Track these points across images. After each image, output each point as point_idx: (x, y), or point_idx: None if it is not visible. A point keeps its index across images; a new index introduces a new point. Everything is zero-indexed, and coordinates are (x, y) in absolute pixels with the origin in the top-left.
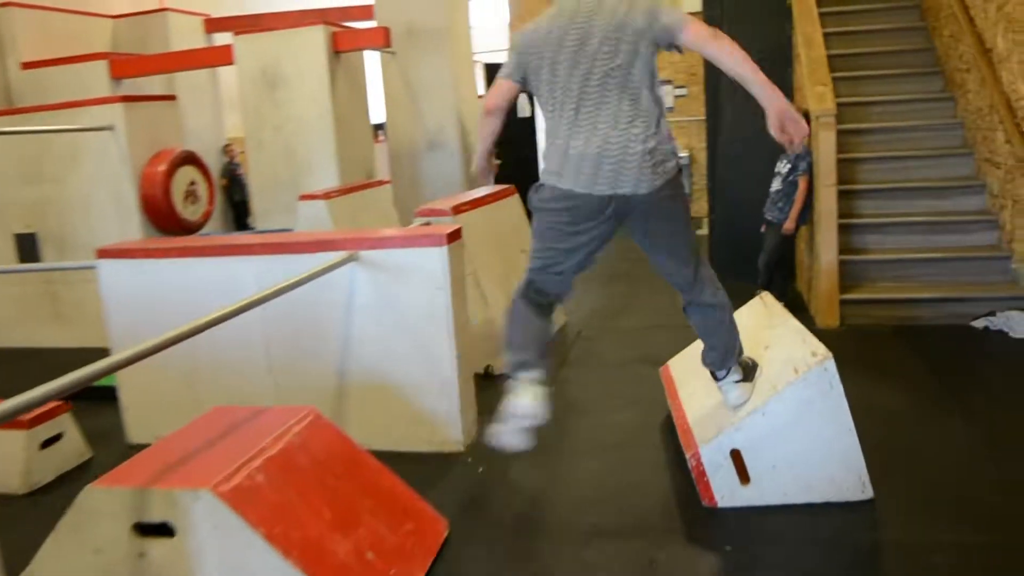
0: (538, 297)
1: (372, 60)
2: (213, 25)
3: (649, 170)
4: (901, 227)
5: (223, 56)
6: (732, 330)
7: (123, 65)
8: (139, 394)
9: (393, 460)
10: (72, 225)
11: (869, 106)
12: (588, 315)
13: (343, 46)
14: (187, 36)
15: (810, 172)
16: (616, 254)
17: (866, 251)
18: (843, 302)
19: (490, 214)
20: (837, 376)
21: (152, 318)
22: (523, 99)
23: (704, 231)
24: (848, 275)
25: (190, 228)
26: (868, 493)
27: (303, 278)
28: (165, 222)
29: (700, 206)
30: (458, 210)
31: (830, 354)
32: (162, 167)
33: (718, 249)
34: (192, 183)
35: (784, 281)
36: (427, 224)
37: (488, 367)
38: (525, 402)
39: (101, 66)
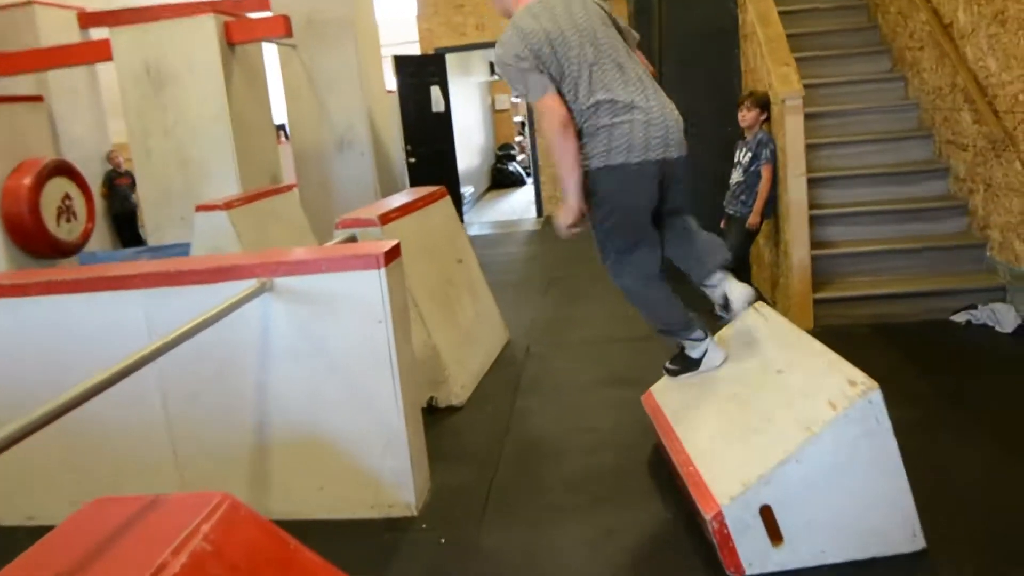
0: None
1: (271, 53)
2: (89, 20)
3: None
4: (865, 216)
5: (99, 52)
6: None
7: None
8: (3, 467)
9: (330, 531)
10: None
11: (815, 88)
12: (532, 329)
13: (238, 37)
14: (59, 32)
15: (774, 160)
16: (546, 261)
17: (832, 244)
18: (815, 301)
19: (422, 221)
20: (884, 409)
21: (16, 373)
22: (436, 93)
23: None
24: (816, 271)
25: (66, 250)
26: (920, 543)
27: (206, 318)
28: (35, 244)
29: None
30: (386, 219)
31: (875, 384)
32: (27, 180)
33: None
34: (66, 198)
35: (746, 280)
36: (351, 239)
37: (432, 399)
38: (717, 355)
39: None
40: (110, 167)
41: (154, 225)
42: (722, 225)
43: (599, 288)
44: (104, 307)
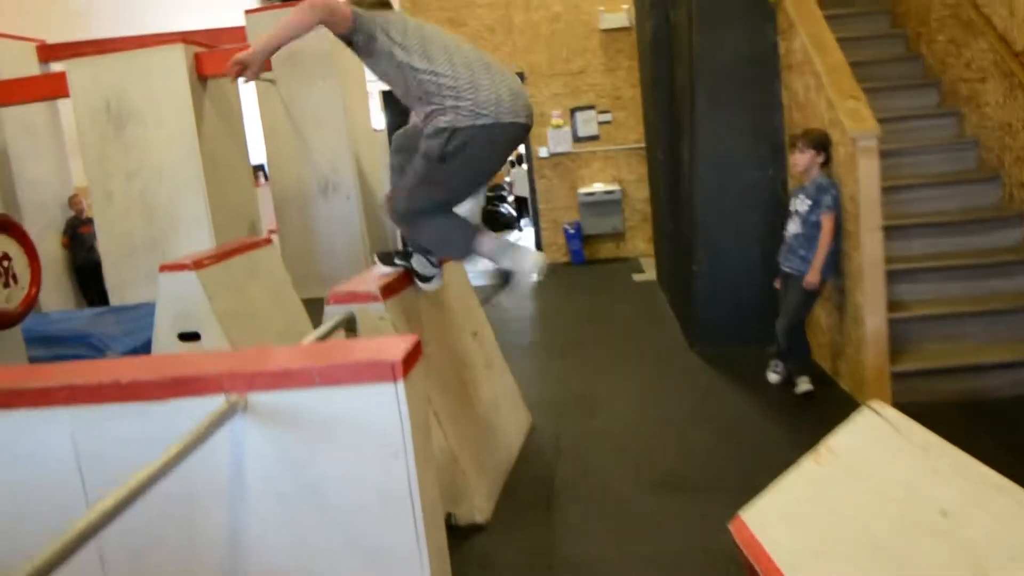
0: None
1: (248, 89)
2: (49, 53)
3: None
4: (933, 273)
5: (53, 87)
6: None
7: None
8: None
9: None
10: None
11: None
12: (556, 409)
13: (210, 70)
14: (16, 66)
15: (837, 209)
16: (556, 318)
17: (902, 306)
18: (892, 375)
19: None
20: None
21: None
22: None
23: (649, 275)
24: (890, 339)
25: (4, 320)
26: None
27: (161, 465)
28: None
29: (635, 245)
30: (390, 291)
31: None
32: None
33: (705, 306)
34: (4, 259)
35: (805, 349)
36: (349, 320)
37: (450, 516)
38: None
39: None
40: (72, 213)
41: (117, 281)
42: (776, 285)
43: (620, 353)
44: (17, 428)
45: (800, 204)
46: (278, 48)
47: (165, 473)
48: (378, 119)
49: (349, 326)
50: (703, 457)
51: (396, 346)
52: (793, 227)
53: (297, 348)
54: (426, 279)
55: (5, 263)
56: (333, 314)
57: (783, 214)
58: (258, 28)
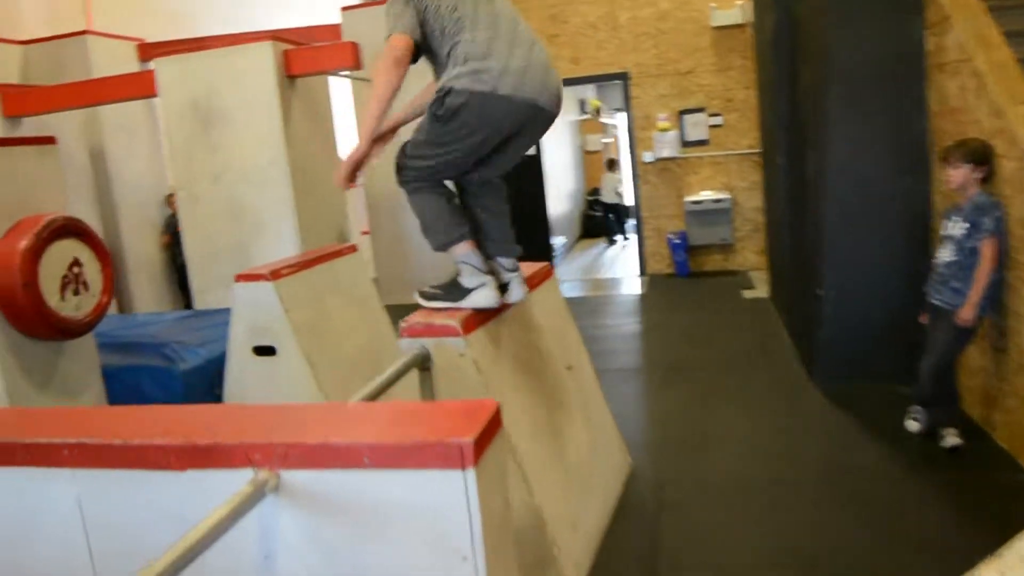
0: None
1: (342, 88)
2: (148, 52)
3: None
4: None
5: (144, 85)
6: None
7: (16, 99)
8: None
9: None
10: None
11: None
12: (658, 450)
13: (298, 68)
14: (115, 65)
15: (1000, 233)
16: (658, 337)
17: None
18: None
19: (522, 318)
20: None
21: None
22: None
23: (760, 292)
24: None
25: (73, 330)
26: None
27: (173, 561)
28: (30, 323)
29: (745, 257)
30: (472, 324)
31: None
32: (23, 243)
33: (831, 336)
34: (75, 264)
35: (953, 396)
36: (423, 357)
37: None
38: (491, 295)
39: None
40: (170, 212)
41: (201, 285)
42: (922, 320)
43: (730, 382)
44: (20, 484)
45: (954, 227)
46: (380, 122)
47: (177, 570)
48: None
49: (423, 364)
50: (834, 528)
51: (469, 420)
52: (945, 254)
53: (346, 411)
54: (467, 292)
55: (75, 269)
56: (407, 349)
57: (927, 236)
58: (355, 25)
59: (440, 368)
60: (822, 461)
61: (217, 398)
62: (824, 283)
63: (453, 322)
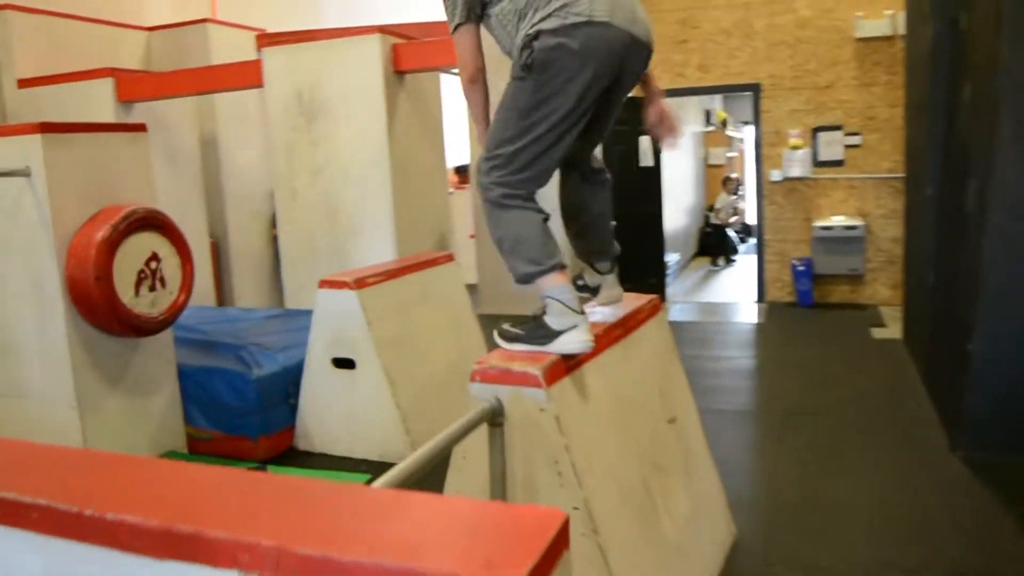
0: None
1: (453, 86)
2: (268, 41)
3: None
4: None
5: (250, 75)
6: None
7: (129, 84)
8: None
9: None
10: None
11: None
12: (766, 520)
13: (407, 64)
14: (233, 54)
15: None
16: (775, 376)
17: None
18: None
19: (621, 360)
20: None
21: None
22: (646, 143)
23: (893, 332)
24: None
25: (145, 327)
26: None
27: None
28: (102, 318)
29: (876, 291)
30: (558, 372)
31: None
32: (100, 234)
33: (981, 399)
34: (152, 259)
35: None
36: (496, 410)
37: None
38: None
39: (107, 85)
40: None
41: (294, 283)
42: None
43: (854, 437)
44: None
45: None
46: (484, 116)
47: None
48: None
49: (493, 419)
50: None
51: (522, 543)
52: None
53: (368, 503)
54: (555, 335)
55: (153, 264)
56: (476, 394)
57: None
58: None
59: (514, 423)
60: (962, 552)
61: (292, 409)
62: (976, 335)
63: (535, 370)
